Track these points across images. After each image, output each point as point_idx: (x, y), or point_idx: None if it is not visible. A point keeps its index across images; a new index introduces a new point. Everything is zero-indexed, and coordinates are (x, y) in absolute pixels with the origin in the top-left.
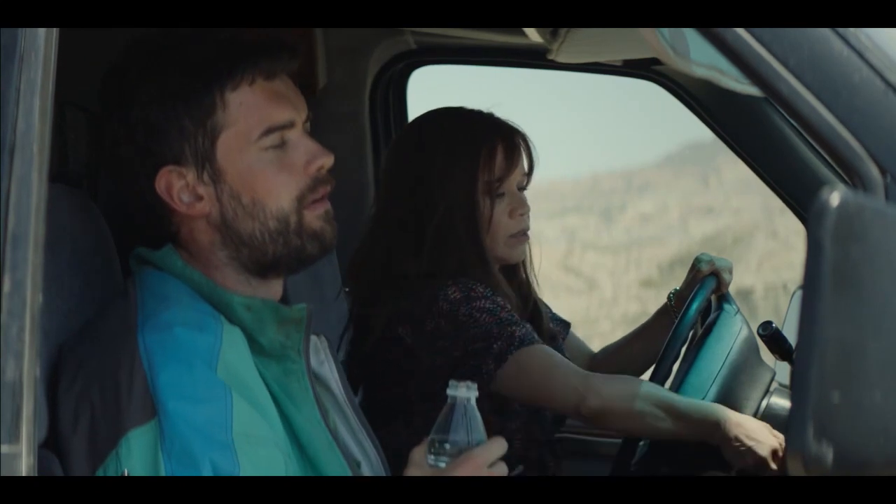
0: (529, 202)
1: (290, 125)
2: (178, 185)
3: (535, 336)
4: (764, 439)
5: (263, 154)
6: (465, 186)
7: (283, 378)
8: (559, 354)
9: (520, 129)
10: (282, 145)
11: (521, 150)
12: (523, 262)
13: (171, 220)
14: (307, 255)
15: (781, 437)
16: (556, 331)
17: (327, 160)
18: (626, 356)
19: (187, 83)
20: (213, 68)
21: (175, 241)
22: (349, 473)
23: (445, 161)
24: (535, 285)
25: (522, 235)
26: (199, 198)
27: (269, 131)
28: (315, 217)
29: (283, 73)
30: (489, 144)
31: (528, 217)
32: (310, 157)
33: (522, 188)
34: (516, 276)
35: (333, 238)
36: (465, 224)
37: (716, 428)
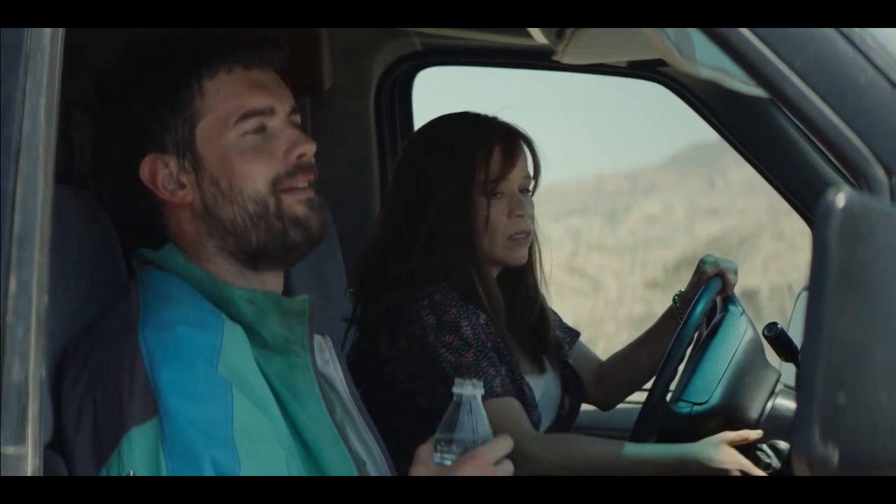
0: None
1: (268, 111)
2: (161, 174)
3: (498, 387)
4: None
5: (242, 140)
6: (459, 185)
7: (287, 373)
8: (517, 410)
9: (523, 132)
10: (261, 132)
11: (522, 152)
12: (530, 267)
13: (160, 213)
14: (291, 241)
15: (745, 463)
16: (561, 339)
17: (308, 148)
18: (632, 363)
19: (168, 76)
20: (191, 58)
21: (167, 235)
22: (354, 469)
23: (442, 161)
24: (543, 292)
25: (522, 237)
26: (182, 185)
27: (245, 116)
28: (296, 202)
29: (264, 65)
30: (487, 145)
31: (530, 220)
32: (290, 144)
33: (526, 191)
34: (523, 282)
35: (321, 228)
36: (458, 223)
37: (676, 470)
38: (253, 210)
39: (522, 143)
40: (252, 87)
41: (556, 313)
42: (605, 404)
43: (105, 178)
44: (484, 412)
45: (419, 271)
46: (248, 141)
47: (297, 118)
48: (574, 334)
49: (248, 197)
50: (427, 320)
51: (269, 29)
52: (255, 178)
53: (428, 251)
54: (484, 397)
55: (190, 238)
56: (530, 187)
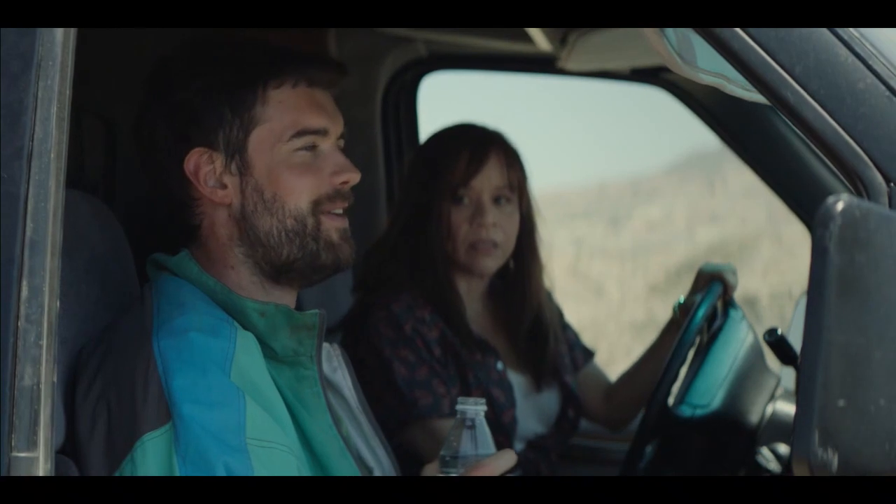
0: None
1: (322, 132)
2: (205, 169)
3: (447, 407)
4: None
5: (293, 155)
6: (423, 189)
7: (295, 384)
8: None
9: (506, 142)
10: (312, 150)
11: (494, 161)
12: (525, 275)
13: (193, 210)
14: (321, 263)
15: None
16: (565, 353)
17: (353, 176)
18: (640, 380)
19: (234, 74)
20: (261, 65)
21: (195, 236)
22: None
23: (411, 166)
24: (547, 302)
25: (485, 246)
26: (224, 186)
27: (301, 133)
28: (333, 228)
29: (325, 86)
30: (454, 151)
31: (495, 230)
32: (337, 168)
33: (501, 201)
34: (516, 288)
35: (350, 257)
36: (420, 225)
37: None
38: (291, 226)
39: (499, 152)
40: (312, 105)
41: (573, 330)
42: (615, 424)
43: (144, 168)
44: (487, 429)
45: (385, 276)
46: (298, 157)
47: (342, 143)
48: (588, 354)
49: (289, 212)
50: (385, 332)
51: (334, 54)
52: (300, 194)
53: (394, 255)
54: (431, 415)
55: (220, 241)
56: (507, 197)
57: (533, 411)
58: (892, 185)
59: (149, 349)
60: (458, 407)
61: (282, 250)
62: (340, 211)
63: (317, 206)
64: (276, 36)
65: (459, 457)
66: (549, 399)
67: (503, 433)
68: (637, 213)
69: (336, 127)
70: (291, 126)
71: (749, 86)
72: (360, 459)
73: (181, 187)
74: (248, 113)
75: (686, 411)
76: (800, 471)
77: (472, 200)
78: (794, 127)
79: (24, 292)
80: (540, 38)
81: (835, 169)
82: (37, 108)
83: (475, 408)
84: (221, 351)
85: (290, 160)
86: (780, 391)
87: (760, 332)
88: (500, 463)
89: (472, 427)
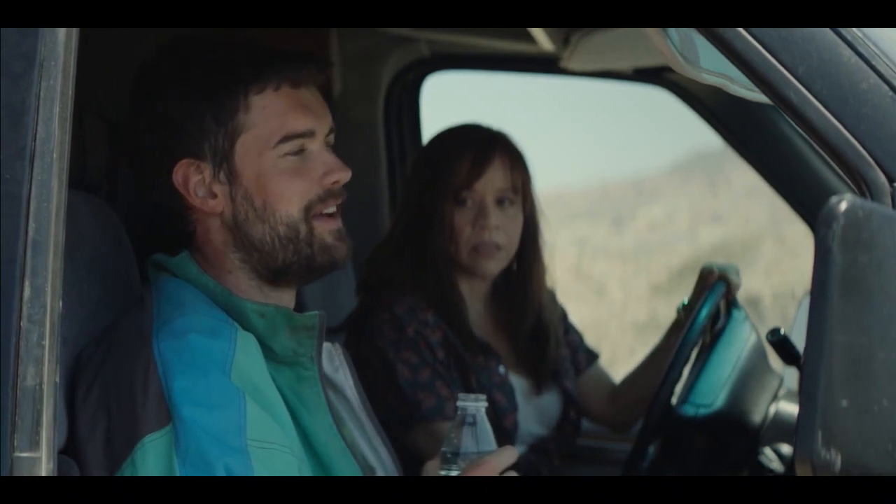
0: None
1: (309, 134)
2: (194, 179)
3: (450, 410)
4: None
5: (280, 161)
6: (425, 192)
7: (295, 384)
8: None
9: (510, 143)
10: (300, 153)
11: (498, 163)
12: (527, 277)
13: (188, 218)
14: (317, 264)
15: None
16: (568, 356)
17: (344, 175)
18: (644, 381)
19: (214, 83)
20: (240, 71)
21: (191, 242)
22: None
23: (414, 168)
24: (550, 303)
25: (486, 248)
26: (214, 195)
27: (287, 138)
28: (327, 231)
29: (309, 83)
30: (456, 153)
31: (498, 233)
32: (327, 169)
33: (505, 203)
34: (517, 289)
35: (346, 255)
36: (423, 227)
37: None
38: (284, 232)
39: (502, 154)
40: (297, 107)
41: (577, 332)
42: (620, 426)
43: (135, 177)
44: (488, 426)
45: (387, 277)
46: (286, 162)
47: (332, 137)
48: (592, 356)
49: (281, 219)
50: (388, 335)
51: (309, 46)
52: (290, 201)
53: (396, 256)
54: (435, 418)
55: (215, 247)
56: (510, 199)
57: (534, 414)
58: (895, 185)
59: (149, 351)
60: (459, 403)
61: (277, 255)
62: (333, 210)
63: (308, 211)
64: (254, 34)
65: (460, 453)
66: (550, 401)
67: (505, 437)
68: (639, 213)
69: (323, 125)
70: (277, 131)
71: (752, 86)
72: (362, 459)
73: (172, 197)
74: (231, 122)
75: (689, 411)
76: (803, 471)
77: (475, 202)
78: (796, 127)
79: (27, 292)
80: (542, 38)
81: (838, 169)
82: (39, 108)
83: (476, 404)
84: (221, 352)
85: (278, 166)
86: (782, 391)
87: (763, 332)
88: (502, 459)
89: (473, 424)
